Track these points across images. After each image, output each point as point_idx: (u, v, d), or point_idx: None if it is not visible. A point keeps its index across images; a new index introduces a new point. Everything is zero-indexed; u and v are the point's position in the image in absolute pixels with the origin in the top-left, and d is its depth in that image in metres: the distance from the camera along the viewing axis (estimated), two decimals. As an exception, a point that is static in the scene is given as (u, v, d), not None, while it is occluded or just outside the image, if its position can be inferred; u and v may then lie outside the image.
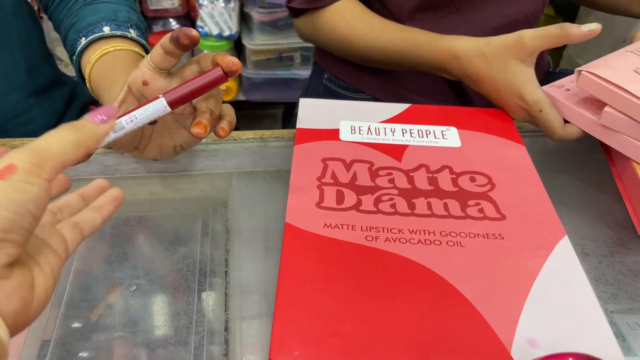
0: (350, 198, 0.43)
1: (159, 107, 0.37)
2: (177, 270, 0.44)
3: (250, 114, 1.65)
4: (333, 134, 0.50)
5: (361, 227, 0.40)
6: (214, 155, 0.53)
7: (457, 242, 0.39)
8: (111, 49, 0.52)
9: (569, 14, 1.68)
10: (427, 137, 0.50)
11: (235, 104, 1.64)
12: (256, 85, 1.61)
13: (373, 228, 0.40)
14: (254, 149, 0.53)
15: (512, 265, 0.37)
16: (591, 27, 0.49)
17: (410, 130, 0.51)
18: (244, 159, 0.52)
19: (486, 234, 0.40)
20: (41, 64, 0.63)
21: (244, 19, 1.57)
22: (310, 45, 1.58)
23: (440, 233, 0.40)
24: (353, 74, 0.73)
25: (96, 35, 0.52)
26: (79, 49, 0.53)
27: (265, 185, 0.50)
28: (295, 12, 0.67)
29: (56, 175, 0.25)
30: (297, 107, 0.54)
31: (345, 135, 0.50)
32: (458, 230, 0.40)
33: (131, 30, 0.54)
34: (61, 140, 0.25)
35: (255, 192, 0.49)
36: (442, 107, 0.55)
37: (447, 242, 0.39)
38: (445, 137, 0.50)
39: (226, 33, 1.51)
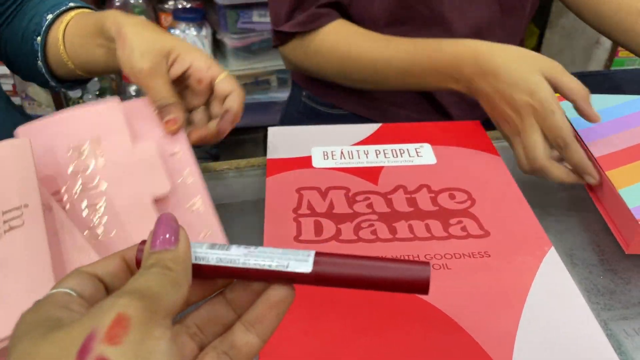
0: (329, 228, 0.41)
1: (300, 262, 0.21)
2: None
3: (231, 140, 1.61)
4: (305, 162, 0.48)
5: (343, 258, 0.38)
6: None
7: (442, 264, 0.38)
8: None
9: (540, 19, 1.71)
10: (402, 156, 0.49)
11: (216, 130, 1.63)
12: None
13: (355, 258, 0.38)
14: (230, 180, 0.51)
15: (501, 284, 0.36)
16: (593, 118, 0.46)
17: (384, 150, 0.50)
18: (220, 190, 0.50)
19: (472, 253, 0.39)
20: (5, 107, 0.61)
21: (217, 45, 1.57)
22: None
23: (425, 256, 0.38)
24: (330, 90, 0.72)
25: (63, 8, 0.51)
26: (45, 25, 0.50)
27: (244, 216, 0.48)
28: (284, 39, 0.63)
29: (170, 325, 0.19)
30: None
31: (318, 162, 0.48)
32: (443, 252, 0.39)
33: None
34: (158, 281, 0.20)
35: (234, 224, 0.47)
36: (414, 123, 0.54)
37: (432, 266, 0.37)
38: (420, 154, 0.49)
39: (200, 61, 1.50)
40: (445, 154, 0.49)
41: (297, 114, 0.77)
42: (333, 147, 0.50)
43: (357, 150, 0.50)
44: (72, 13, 0.50)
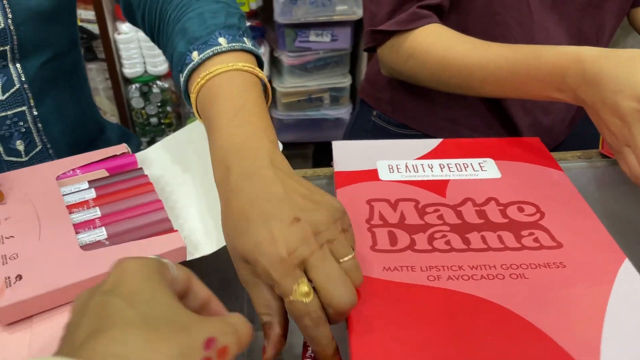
0: (403, 238, 0.42)
1: None
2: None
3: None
4: (372, 175, 0.50)
5: (420, 267, 0.39)
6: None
7: (519, 274, 0.39)
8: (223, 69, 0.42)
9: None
10: (466, 170, 0.50)
11: (267, 145, 1.72)
12: (287, 127, 1.66)
13: (432, 267, 0.39)
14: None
15: (580, 293, 0.37)
16: None
17: (447, 164, 0.51)
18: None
19: (547, 263, 0.39)
20: (91, 115, 0.66)
21: (274, 63, 1.65)
22: (339, 85, 1.63)
23: (501, 266, 0.39)
24: (402, 111, 0.73)
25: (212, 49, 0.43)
26: (188, 68, 0.44)
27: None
28: (381, 39, 0.63)
29: None
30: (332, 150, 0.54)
31: (384, 174, 0.50)
32: (518, 262, 0.40)
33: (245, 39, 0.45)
34: (244, 330, 0.28)
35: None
36: (474, 139, 0.55)
37: (510, 275, 0.38)
38: (484, 168, 0.50)
39: (256, 76, 1.59)
40: (508, 168, 0.50)
41: (364, 132, 0.78)
42: (398, 160, 0.52)
43: (422, 164, 0.51)
44: (218, 68, 0.42)
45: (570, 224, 0.43)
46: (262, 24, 1.59)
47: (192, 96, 0.44)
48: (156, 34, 0.53)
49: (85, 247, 0.39)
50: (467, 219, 0.44)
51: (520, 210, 0.45)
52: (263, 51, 1.55)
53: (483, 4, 0.62)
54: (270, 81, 1.61)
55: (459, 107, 0.62)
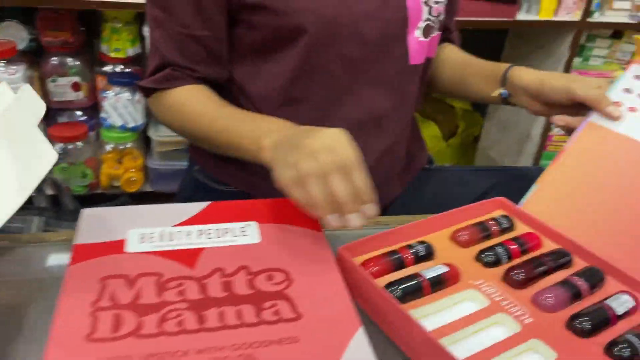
0: (129, 322, 0.37)
1: None
2: None
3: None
4: (117, 247, 0.45)
5: (139, 356, 0.35)
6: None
7: (248, 355, 0.35)
8: None
9: (484, 109, 1.75)
10: (225, 236, 0.47)
11: (141, 195, 1.59)
12: (163, 176, 1.59)
13: (154, 355, 0.35)
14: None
15: (306, 372, 0.34)
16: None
17: (207, 230, 0.48)
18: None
19: (280, 339, 0.37)
20: None
21: (150, 111, 1.55)
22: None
23: (232, 347, 0.36)
24: (220, 167, 0.70)
25: None
26: None
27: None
28: (146, 92, 0.67)
29: None
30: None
31: (133, 245, 0.45)
32: (251, 341, 0.36)
33: None
34: None
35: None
36: (244, 201, 0.53)
37: (237, 357, 0.35)
38: (245, 233, 0.48)
39: (131, 124, 1.50)
40: (270, 232, 0.48)
41: (189, 189, 0.75)
42: (153, 229, 0.47)
43: (179, 231, 0.47)
44: None
45: (315, 292, 0.42)
46: (140, 71, 1.52)
47: None
48: None
49: None
50: (211, 293, 0.41)
51: (270, 278, 0.43)
52: (138, 98, 1.47)
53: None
54: (145, 129, 1.55)
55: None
